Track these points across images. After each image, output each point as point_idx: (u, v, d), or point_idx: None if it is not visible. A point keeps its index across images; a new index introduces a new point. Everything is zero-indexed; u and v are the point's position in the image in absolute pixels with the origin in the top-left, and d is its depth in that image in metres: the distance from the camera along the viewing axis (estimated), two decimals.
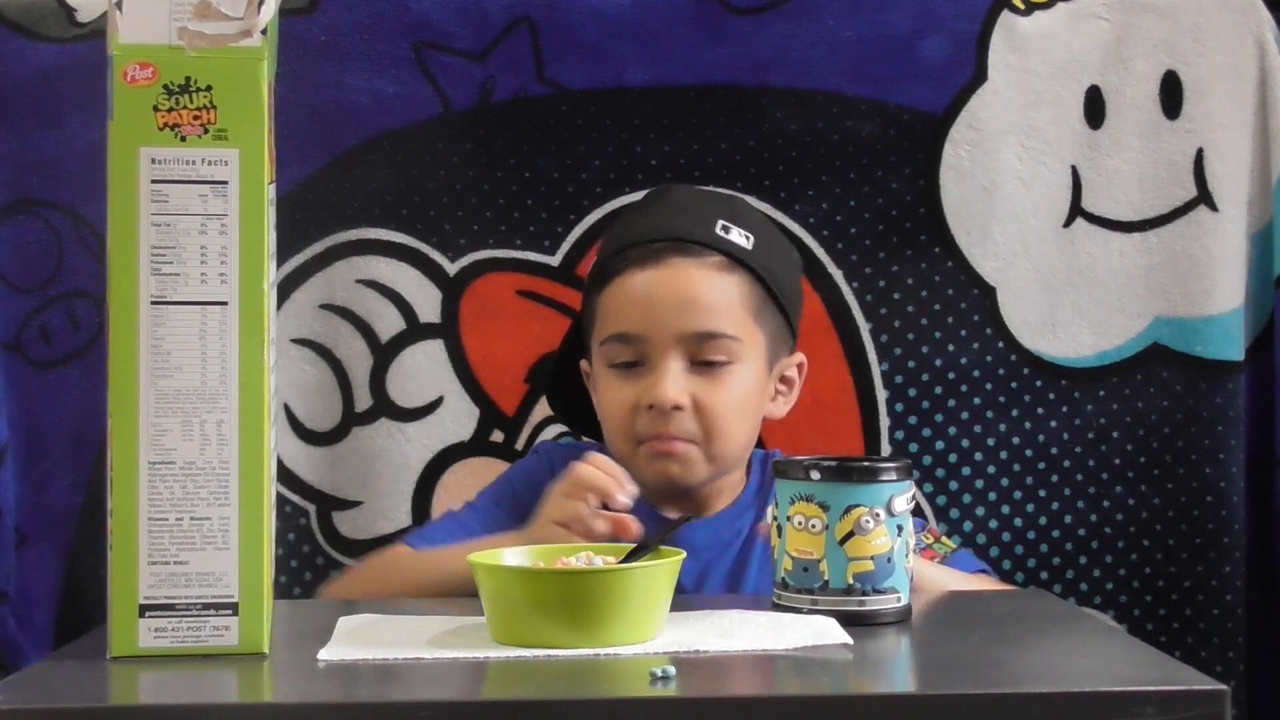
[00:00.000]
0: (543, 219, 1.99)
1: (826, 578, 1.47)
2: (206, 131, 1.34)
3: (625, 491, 1.65)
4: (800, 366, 1.87)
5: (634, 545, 1.47)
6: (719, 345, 1.77)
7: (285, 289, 1.97)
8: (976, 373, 1.99)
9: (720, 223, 1.80)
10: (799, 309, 1.88)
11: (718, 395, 1.76)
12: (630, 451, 1.78)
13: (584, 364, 1.86)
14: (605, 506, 1.65)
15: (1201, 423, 1.99)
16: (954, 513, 1.99)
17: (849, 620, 1.44)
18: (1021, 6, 1.98)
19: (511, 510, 1.82)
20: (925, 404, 1.99)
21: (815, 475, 1.48)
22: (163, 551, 1.35)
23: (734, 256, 1.78)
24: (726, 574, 1.80)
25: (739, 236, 1.79)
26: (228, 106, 1.34)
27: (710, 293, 1.77)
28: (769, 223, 1.89)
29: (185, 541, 1.35)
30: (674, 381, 1.75)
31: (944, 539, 1.87)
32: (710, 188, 1.95)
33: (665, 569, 1.39)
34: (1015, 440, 1.99)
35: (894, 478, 1.48)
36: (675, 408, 1.75)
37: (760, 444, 1.87)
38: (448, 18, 1.96)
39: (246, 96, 1.35)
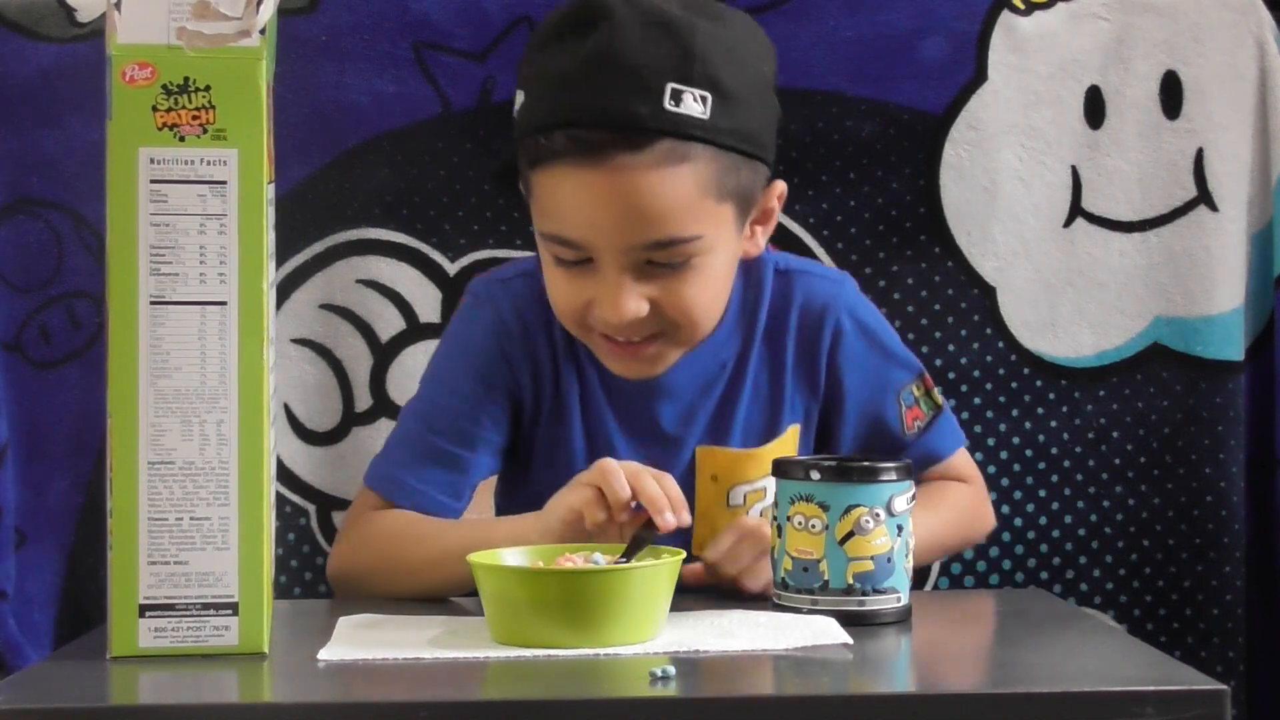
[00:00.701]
0: None
1: (826, 578, 1.47)
2: (205, 131, 1.34)
3: (679, 520, 1.50)
4: (780, 197, 1.67)
5: (632, 544, 1.47)
6: (676, 250, 1.58)
7: (285, 289, 1.97)
8: (976, 373, 1.99)
9: (670, 88, 1.53)
10: (774, 130, 1.64)
11: (681, 292, 1.59)
12: (585, 337, 1.64)
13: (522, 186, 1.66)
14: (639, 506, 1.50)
15: (1201, 423, 1.99)
16: None
17: (849, 620, 1.44)
18: (1021, 6, 1.98)
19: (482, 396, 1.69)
20: None
21: (815, 475, 1.48)
22: (162, 551, 1.35)
23: (689, 136, 1.55)
24: (711, 418, 1.69)
25: (693, 102, 1.54)
26: (226, 106, 1.34)
27: (662, 196, 1.55)
28: (726, 46, 1.58)
29: (185, 541, 1.35)
30: (627, 294, 1.58)
31: (934, 392, 1.75)
32: (658, 7, 1.58)
33: (665, 569, 1.39)
34: (1015, 440, 1.99)
35: (894, 478, 1.48)
36: (633, 320, 1.59)
37: None
38: (448, 18, 1.96)
39: (245, 96, 1.35)
